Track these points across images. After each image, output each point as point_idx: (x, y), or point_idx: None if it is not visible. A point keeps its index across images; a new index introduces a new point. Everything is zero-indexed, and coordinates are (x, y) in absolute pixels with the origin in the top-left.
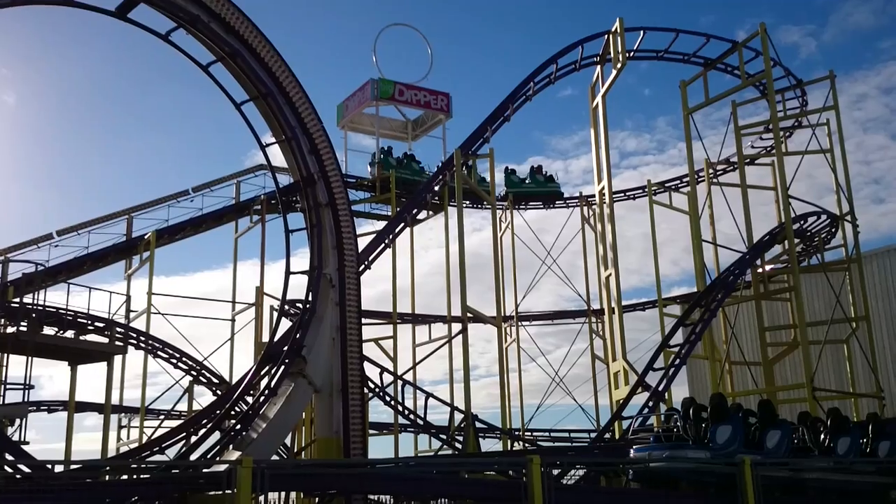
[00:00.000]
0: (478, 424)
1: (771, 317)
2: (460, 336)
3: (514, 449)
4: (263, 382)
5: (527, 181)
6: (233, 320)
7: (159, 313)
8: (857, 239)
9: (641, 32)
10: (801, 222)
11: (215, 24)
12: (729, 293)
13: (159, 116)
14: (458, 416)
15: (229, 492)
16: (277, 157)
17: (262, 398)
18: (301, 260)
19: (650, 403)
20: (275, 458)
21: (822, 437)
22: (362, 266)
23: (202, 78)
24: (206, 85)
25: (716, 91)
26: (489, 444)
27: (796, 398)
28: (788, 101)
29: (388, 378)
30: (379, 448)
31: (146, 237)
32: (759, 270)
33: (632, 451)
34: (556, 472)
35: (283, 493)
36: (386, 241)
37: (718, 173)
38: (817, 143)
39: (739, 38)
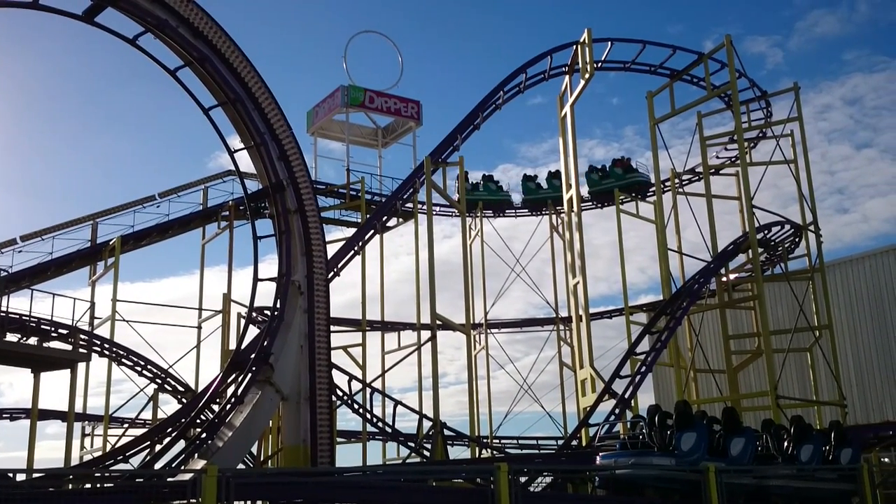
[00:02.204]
0: (446, 432)
1: (735, 325)
2: (429, 343)
3: (482, 457)
4: (230, 390)
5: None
6: (199, 327)
7: (124, 320)
8: (820, 248)
9: (609, 43)
10: (766, 232)
11: (183, 29)
12: (694, 301)
13: (123, 118)
14: (427, 424)
15: (194, 501)
16: (245, 162)
17: (228, 406)
18: (269, 266)
19: (616, 410)
20: (241, 466)
21: (786, 444)
22: (331, 273)
23: (167, 80)
24: (170, 87)
25: (682, 102)
26: (457, 452)
27: (760, 406)
28: (753, 112)
29: (356, 385)
30: (347, 456)
31: (111, 243)
32: (724, 279)
33: (598, 458)
34: (523, 479)
35: (248, 503)
36: (355, 249)
37: (684, 183)
38: (781, 153)
39: (706, 49)
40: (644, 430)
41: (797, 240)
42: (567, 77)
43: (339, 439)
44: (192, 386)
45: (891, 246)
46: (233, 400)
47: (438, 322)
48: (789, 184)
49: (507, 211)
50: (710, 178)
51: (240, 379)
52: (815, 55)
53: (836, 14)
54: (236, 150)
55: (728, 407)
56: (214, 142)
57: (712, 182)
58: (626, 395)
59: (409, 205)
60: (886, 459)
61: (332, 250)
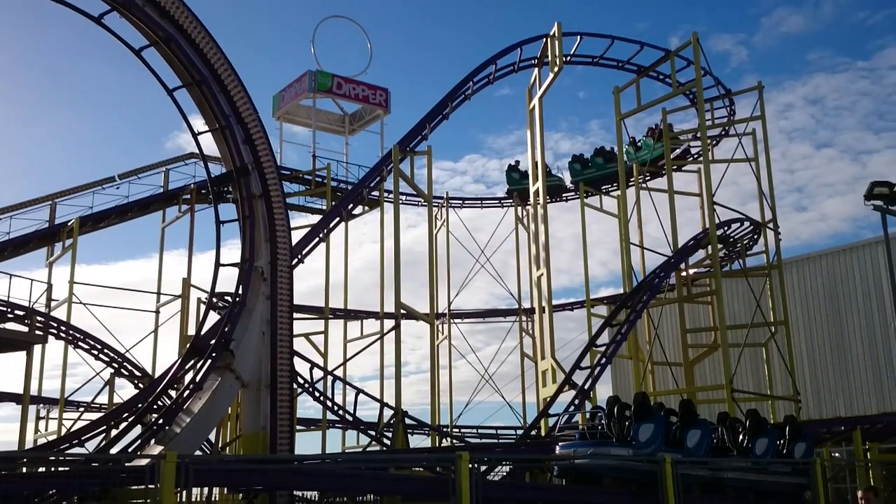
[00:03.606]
0: (407, 421)
1: (693, 319)
2: (392, 332)
3: (442, 445)
4: (188, 376)
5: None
6: (157, 312)
7: (81, 303)
8: (778, 246)
9: (578, 37)
10: (725, 228)
11: (150, 8)
12: (654, 295)
13: (80, 96)
14: (387, 413)
15: (152, 486)
16: (208, 145)
17: (186, 392)
18: (230, 252)
19: (576, 401)
20: (198, 453)
21: (741, 437)
22: (295, 260)
23: (124, 57)
24: (126, 65)
25: (648, 98)
26: (417, 441)
27: (715, 399)
28: (717, 109)
29: (317, 373)
30: (306, 444)
31: (69, 224)
32: (684, 274)
33: (558, 447)
34: (482, 468)
35: (205, 490)
36: (320, 236)
37: (647, 178)
38: (743, 151)
39: (672, 45)
40: (603, 421)
41: (756, 237)
42: (536, 69)
43: (298, 427)
44: (149, 371)
45: (847, 245)
46: (191, 386)
47: (403, 311)
48: (749, 181)
49: (564, 195)
50: (672, 174)
51: (199, 365)
52: (780, 54)
53: (801, 12)
54: (200, 133)
55: (685, 399)
56: (172, 122)
57: (674, 178)
58: (586, 387)
59: (376, 193)
60: (837, 454)
61: (296, 237)
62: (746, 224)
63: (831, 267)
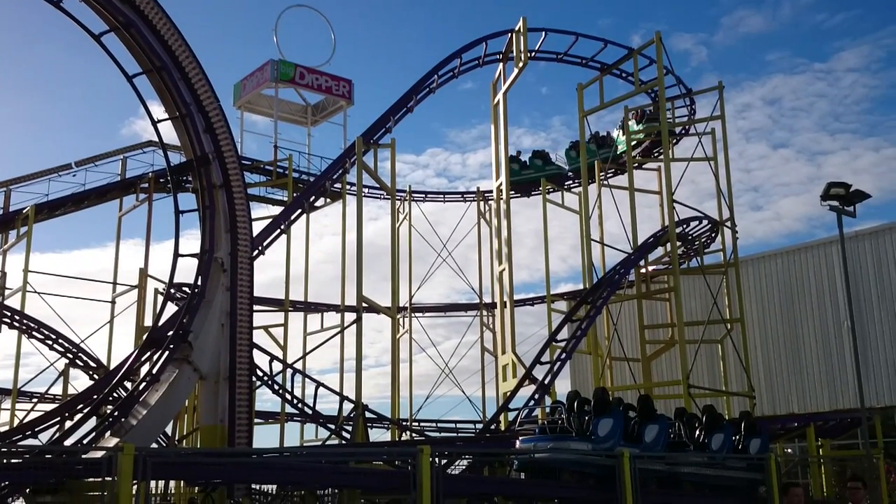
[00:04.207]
0: (367, 414)
1: (651, 315)
2: (353, 326)
3: (402, 439)
4: (145, 368)
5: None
6: (113, 302)
7: (35, 292)
8: (735, 244)
9: (543, 34)
10: (684, 226)
11: None
12: (614, 291)
13: (32, 80)
14: (347, 406)
15: (108, 479)
16: (168, 133)
17: (143, 384)
18: (188, 242)
19: (536, 396)
20: (154, 446)
21: (698, 432)
22: (256, 251)
23: (79, 42)
24: (82, 49)
25: (611, 95)
26: (377, 434)
27: (671, 394)
28: (678, 108)
29: (276, 366)
30: (264, 437)
31: (24, 211)
32: (642, 271)
33: (518, 442)
34: (443, 462)
35: (161, 483)
36: (281, 227)
37: (608, 175)
38: (703, 150)
39: (634, 43)
40: (562, 416)
41: (713, 235)
42: (501, 65)
43: (256, 420)
44: (105, 362)
45: (802, 244)
46: (148, 378)
47: (364, 305)
48: (707, 180)
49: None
50: (633, 171)
51: (156, 356)
52: (739, 54)
53: (761, 13)
54: (160, 121)
55: (643, 394)
56: (129, 108)
57: (635, 175)
58: (546, 381)
59: (338, 185)
60: (789, 450)
61: (256, 228)
62: (704, 222)
63: (786, 266)
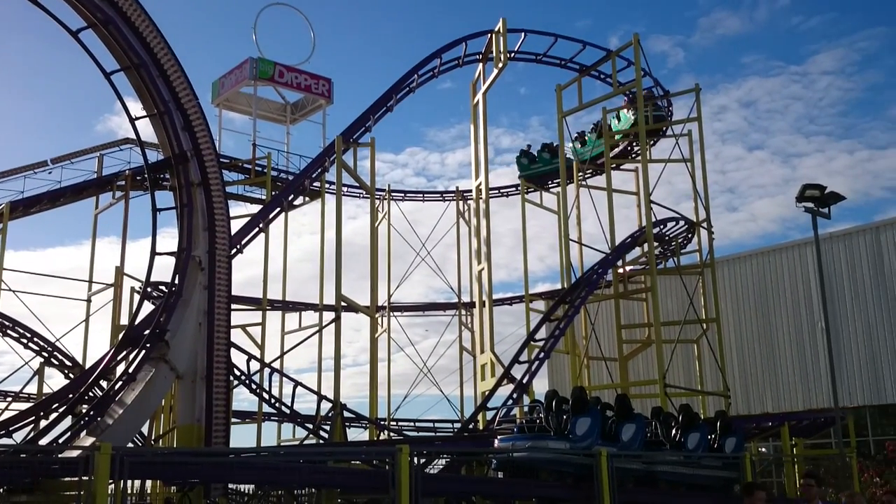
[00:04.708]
0: (345, 414)
1: (628, 315)
2: (332, 325)
3: (380, 438)
4: (121, 367)
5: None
6: (89, 300)
7: (10, 290)
8: (711, 245)
9: (523, 34)
10: (661, 227)
11: None
12: (592, 291)
13: (8, 75)
14: (325, 406)
15: (85, 478)
16: (145, 131)
17: (119, 383)
18: (164, 240)
19: (514, 395)
20: (129, 445)
21: (674, 431)
22: (234, 250)
23: (56, 37)
24: (59, 44)
25: (589, 96)
26: (354, 434)
27: (648, 394)
28: (655, 110)
29: (254, 365)
30: (241, 437)
31: None
32: (620, 271)
33: (496, 441)
34: (421, 461)
35: (137, 483)
36: (260, 226)
37: (589, 175)
38: (679, 151)
39: (612, 44)
40: (541, 415)
41: (690, 236)
42: (481, 65)
43: (233, 420)
44: (80, 361)
45: (777, 245)
46: (124, 377)
47: (343, 303)
48: (683, 181)
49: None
50: (611, 172)
51: (133, 355)
52: (715, 56)
53: (737, 15)
54: (138, 118)
55: (621, 394)
56: (104, 105)
57: (612, 176)
58: (524, 381)
59: (317, 184)
60: (764, 449)
61: (234, 226)
62: (681, 223)
63: (761, 267)
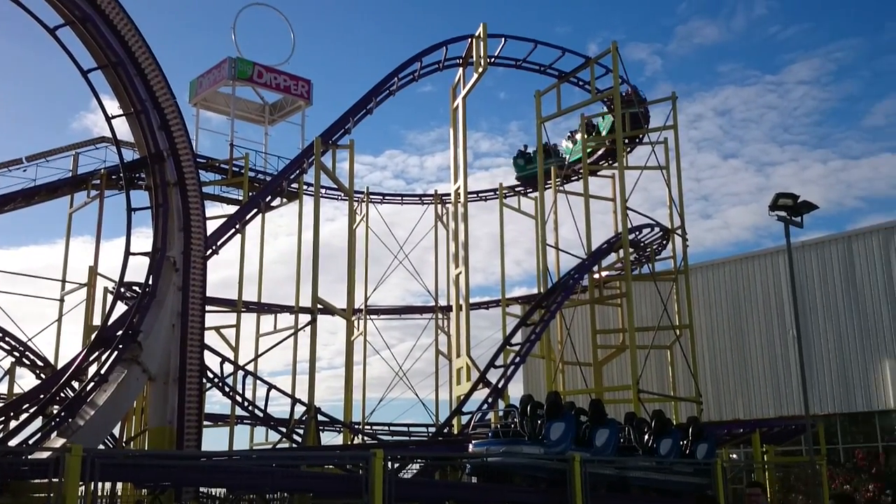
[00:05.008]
0: (319, 417)
1: (603, 321)
2: (308, 327)
3: (354, 443)
4: (93, 368)
5: None
6: (61, 300)
7: None
8: (685, 252)
9: (503, 40)
10: (637, 233)
11: None
12: (568, 296)
13: None
14: (298, 409)
15: (55, 480)
16: (121, 129)
17: (91, 384)
18: (139, 240)
19: (489, 399)
20: (100, 447)
21: (647, 437)
22: (209, 251)
23: (31, 33)
24: (33, 41)
25: (568, 102)
26: (328, 438)
27: (621, 399)
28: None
29: (227, 368)
30: (213, 440)
31: None
32: (596, 276)
33: (470, 445)
34: (395, 465)
35: (108, 485)
36: (236, 227)
37: (571, 179)
38: (655, 159)
39: (591, 51)
40: (515, 420)
41: (665, 242)
42: (461, 69)
43: (206, 422)
44: (52, 361)
45: (750, 253)
46: (96, 378)
47: (319, 306)
48: (659, 188)
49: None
50: (588, 178)
51: (105, 356)
52: (692, 64)
53: (715, 24)
54: (114, 117)
55: (595, 399)
56: (80, 102)
57: (589, 182)
58: (500, 385)
59: (295, 185)
60: (735, 455)
61: (210, 227)
62: (656, 230)
63: (734, 274)
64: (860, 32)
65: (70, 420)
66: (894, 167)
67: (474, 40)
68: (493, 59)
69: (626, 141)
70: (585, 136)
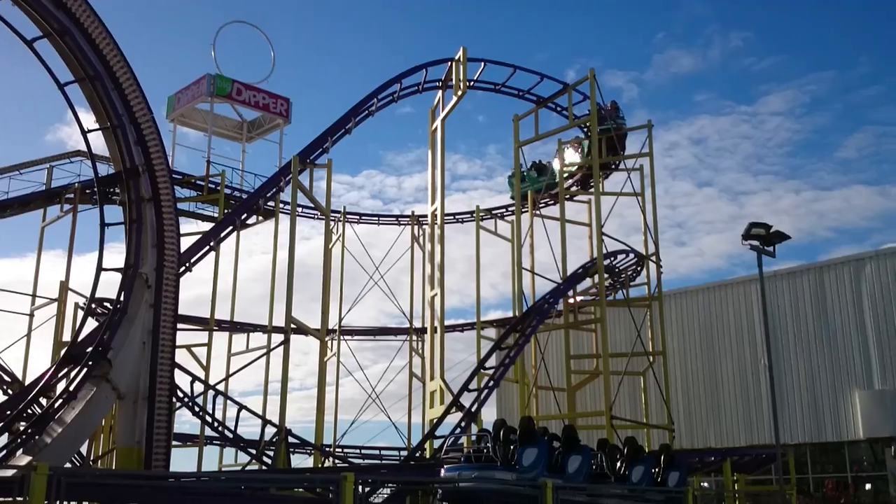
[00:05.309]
0: (290, 439)
1: (577, 345)
2: (281, 347)
3: (325, 465)
4: (62, 385)
5: None
6: (31, 315)
7: None
8: (659, 279)
9: (482, 64)
10: (612, 258)
11: None
12: (543, 320)
13: None
14: (269, 430)
15: (20, 499)
16: (97, 143)
17: (59, 401)
18: (112, 256)
19: (462, 423)
20: (67, 465)
21: (619, 464)
22: (183, 268)
23: (6, 45)
24: (9, 52)
25: (545, 127)
26: (298, 460)
27: (594, 425)
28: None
29: (198, 387)
30: (181, 461)
31: None
32: (570, 301)
33: (443, 470)
34: (365, 489)
35: None
36: (211, 244)
37: (541, 206)
38: (631, 185)
39: (569, 77)
40: (488, 445)
41: (639, 268)
42: (440, 92)
43: (174, 442)
44: (20, 377)
45: (723, 281)
46: (65, 395)
47: (293, 326)
48: (633, 214)
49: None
50: (565, 203)
51: (74, 373)
52: (669, 93)
53: (691, 54)
54: (90, 131)
55: (568, 425)
56: (54, 115)
57: (566, 207)
58: (473, 409)
59: (271, 203)
60: (706, 483)
61: (184, 244)
62: (631, 256)
63: (707, 302)
64: (833, 66)
65: (37, 437)
66: (865, 199)
67: (454, 64)
68: (472, 83)
69: (603, 167)
70: (562, 161)
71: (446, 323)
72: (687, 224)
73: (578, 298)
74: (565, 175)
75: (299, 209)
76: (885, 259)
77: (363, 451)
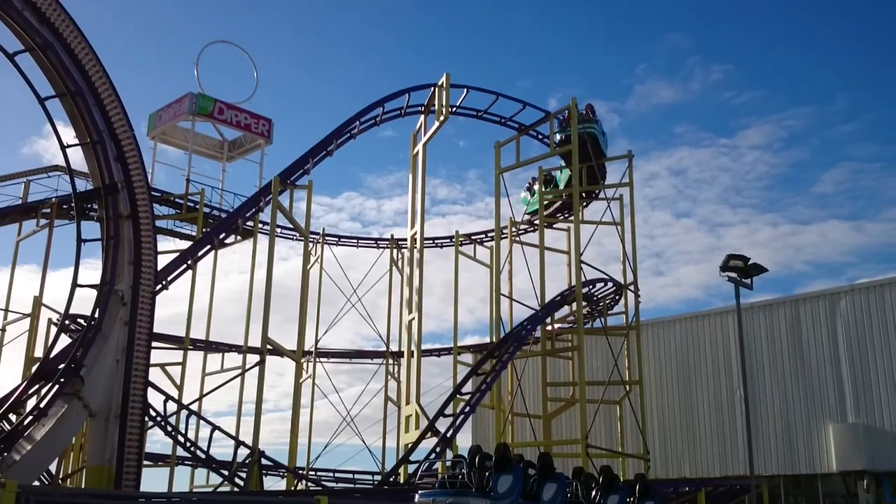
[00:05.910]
0: (263, 461)
1: (554, 373)
2: (256, 368)
3: (297, 489)
4: (32, 401)
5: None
6: (3, 330)
7: None
8: (637, 308)
9: (465, 90)
10: (590, 287)
11: (29, 12)
12: (520, 347)
13: None
14: (242, 452)
15: None
16: (75, 158)
17: (29, 418)
18: (87, 272)
19: (437, 449)
20: (36, 484)
21: (594, 493)
22: (159, 286)
23: None
24: None
25: (527, 154)
26: (272, 482)
27: (570, 453)
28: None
29: (171, 406)
30: (151, 481)
31: None
32: (548, 328)
33: (417, 496)
34: None
35: None
36: (188, 263)
37: (520, 232)
38: (611, 214)
39: (551, 105)
40: (463, 471)
41: (617, 297)
42: (423, 116)
43: (145, 462)
44: None
45: (701, 312)
46: (35, 411)
47: (269, 346)
48: (612, 243)
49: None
50: (544, 230)
51: (45, 389)
52: (649, 124)
53: (672, 86)
54: (69, 146)
55: (544, 452)
56: (31, 128)
57: (545, 234)
58: (448, 435)
59: (250, 223)
60: None
61: (161, 261)
62: (609, 284)
63: (684, 332)
64: (812, 102)
65: (6, 454)
66: (841, 234)
67: (437, 89)
68: (454, 109)
69: (583, 195)
70: (543, 189)
71: (423, 347)
72: (665, 254)
73: (556, 326)
74: (545, 203)
75: (278, 230)
76: (860, 293)
77: (337, 475)
